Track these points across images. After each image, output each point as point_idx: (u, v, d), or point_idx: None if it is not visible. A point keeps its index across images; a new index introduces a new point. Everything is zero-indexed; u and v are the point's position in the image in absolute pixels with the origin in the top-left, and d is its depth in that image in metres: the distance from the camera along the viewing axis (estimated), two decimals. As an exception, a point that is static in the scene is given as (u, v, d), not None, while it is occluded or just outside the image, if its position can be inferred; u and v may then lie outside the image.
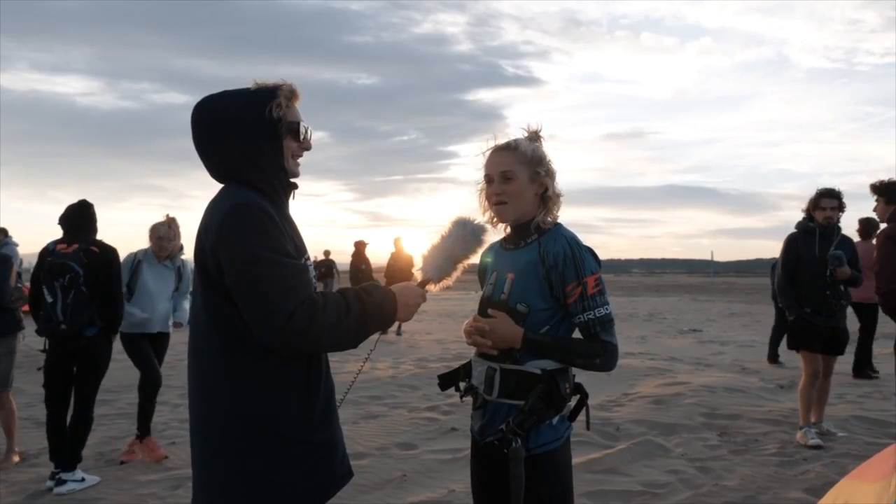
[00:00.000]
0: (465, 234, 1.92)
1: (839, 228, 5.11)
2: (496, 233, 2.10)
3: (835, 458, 4.59)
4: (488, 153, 2.06)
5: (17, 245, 9.15)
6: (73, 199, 4.57)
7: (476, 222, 1.96)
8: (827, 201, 5.05)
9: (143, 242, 5.23)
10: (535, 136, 2.08)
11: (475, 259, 2.01)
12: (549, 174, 2.03)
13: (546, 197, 2.03)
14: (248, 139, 1.69)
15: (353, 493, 4.01)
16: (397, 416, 5.95)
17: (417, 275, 1.95)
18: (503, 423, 1.93)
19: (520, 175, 1.99)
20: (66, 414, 4.46)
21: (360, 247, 12.62)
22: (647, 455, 4.73)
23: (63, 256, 4.25)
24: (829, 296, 5.00)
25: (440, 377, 2.18)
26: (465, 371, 2.13)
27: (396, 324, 13.29)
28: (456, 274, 1.96)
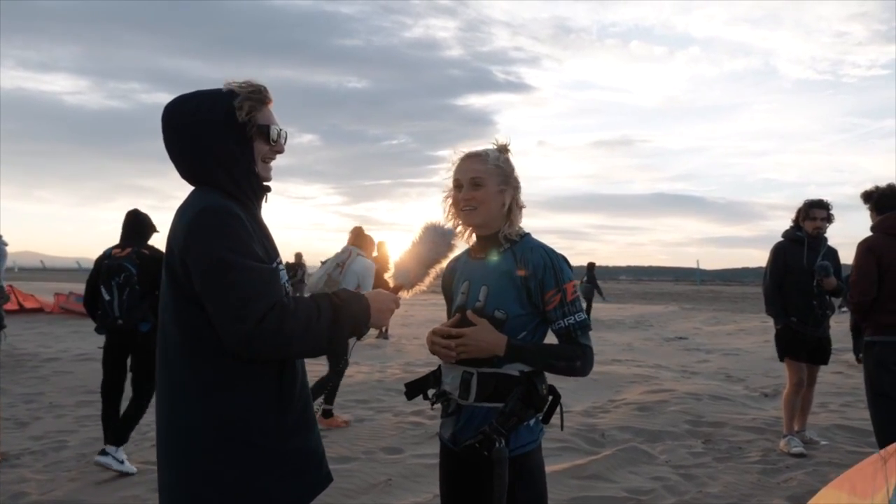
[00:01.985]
0: (435, 238, 1.95)
1: (826, 239, 5.17)
2: (462, 239, 2.12)
3: (817, 466, 4.63)
4: (458, 161, 2.09)
5: (6, 244, 9.06)
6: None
7: (446, 227, 2.00)
8: (818, 212, 5.09)
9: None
10: (504, 149, 2.11)
11: (446, 262, 2.03)
12: (516, 186, 2.09)
13: (511, 208, 2.08)
14: (216, 141, 1.67)
15: (338, 497, 4.00)
16: (383, 420, 5.94)
17: (390, 281, 1.95)
18: (479, 427, 1.93)
19: (489, 183, 2.02)
20: (119, 402, 4.80)
21: (381, 248, 12.29)
22: (632, 462, 4.75)
23: (118, 259, 4.66)
24: (816, 305, 5.05)
25: (407, 385, 2.16)
26: (434, 378, 2.13)
27: (382, 328, 13.29)
28: (429, 279, 1.98)
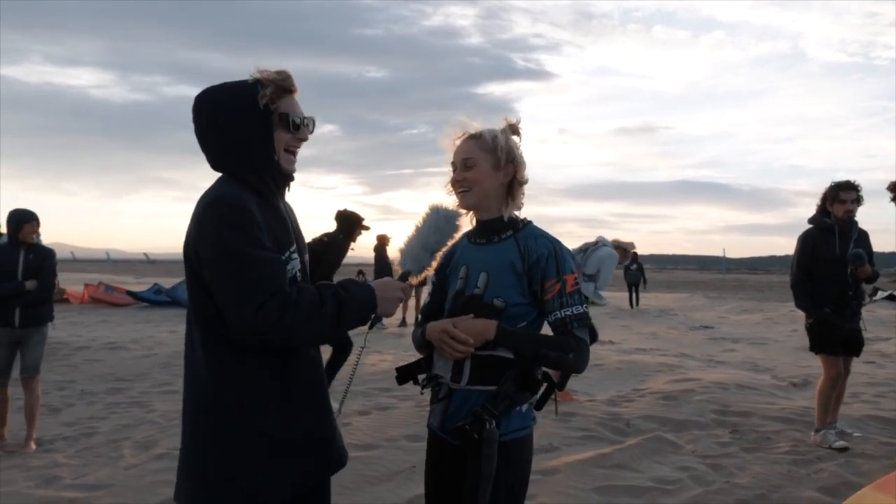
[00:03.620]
0: (438, 221, 1.93)
1: (856, 223, 4.89)
2: (466, 222, 2.09)
3: (849, 457, 4.54)
4: (457, 142, 2.07)
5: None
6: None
7: (449, 209, 1.97)
8: (847, 194, 4.81)
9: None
10: (513, 129, 2.08)
11: (450, 242, 1.99)
12: (515, 162, 2.03)
13: (511, 187, 2.04)
14: (237, 130, 1.71)
15: (361, 483, 4.03)
16: (406, 408, 5.97)
17: (397, 268, 1.94)
18: (469, 410, 1.91)
19: (481, 162, 1.99)
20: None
21: (383, 240, 12.60)
22: (658, 451, 4.71)
23: None
24: (851, 296, 4.85)
25: (398, 370, 2.14)
26: (426, 363, 2.10)
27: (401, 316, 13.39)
28: (435, 263, 1.96)
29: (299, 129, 1.77)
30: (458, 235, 2.00)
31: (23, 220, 4.93)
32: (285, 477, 1.71)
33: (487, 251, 2.02)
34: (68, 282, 20.66)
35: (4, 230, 5.16)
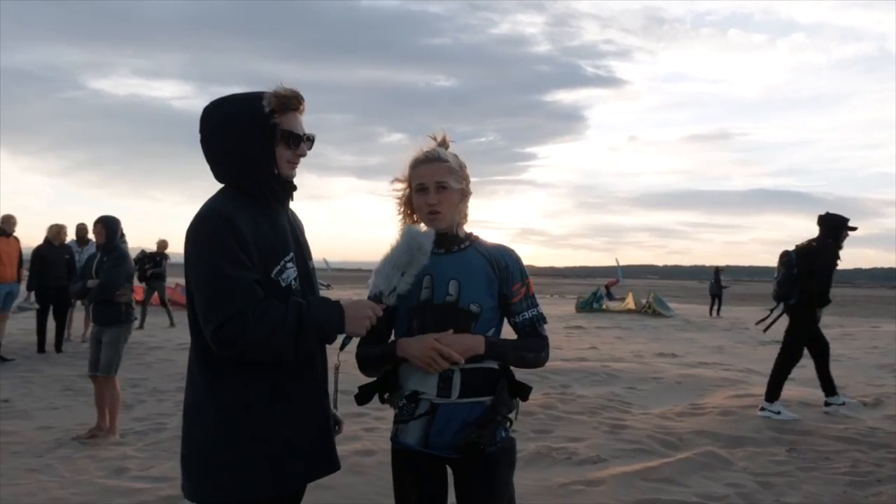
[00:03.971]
0: (410, 241, 1.93)
1: None
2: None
3: (911, 480, 4.34)
4: (414, 163, 2.07)
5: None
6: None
7: (421, 229, 1.97)
8: None
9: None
10: (445, 143, 2.12)
11: (422, 263, 1.94)
12: (468, 182, 2.11)
13: (464, 203, 2.11)
14: (238, 142, 1.77)
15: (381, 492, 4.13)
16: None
17: (369, 288, 1.94)
18: (462, 423, 1.96)
19: (452, 184, 2.04)
20: None
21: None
22: (707, 467, 4.63)
23: None
24: None
25: (361, 388, 2.09)
26: (392, 381, 2.06)
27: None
28: (407, 281, 1.92)
29: (299, 145, 1.83)
30: (425, 257, 1.95)
31: (94, 224, 5.43)
32: (273, 478, 1.76)
33: (451, 260, 2.05)
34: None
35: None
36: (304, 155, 1.87)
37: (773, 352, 11.74)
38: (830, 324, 18.86)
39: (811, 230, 6.56)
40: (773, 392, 6.27)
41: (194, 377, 1.82)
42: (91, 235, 9.91)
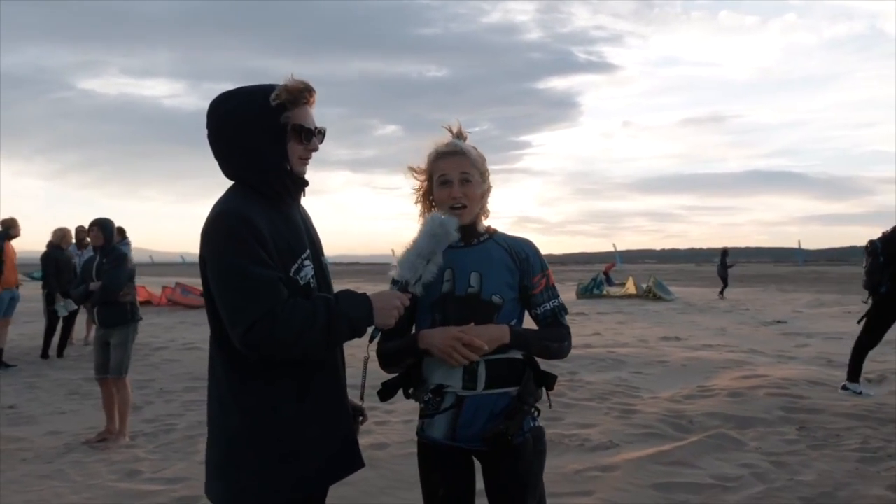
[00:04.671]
0: (434, 229, 1.91)
1: None
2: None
3: (923, 455, 4.36)
4: (435, 156, 2.07)
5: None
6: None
7: (444, 216, 1.94)
8: None
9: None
10: (462, 135, 2.12)
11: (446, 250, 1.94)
12: (488, 172, 2.10)
13: (486, 196, 2.11)
14: (248, 138, 1.71)
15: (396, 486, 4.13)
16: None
17: (394, 277, 1.93)
18: (489, 415, 1.96)
19: (475, 177, 2.04)
20: None
21: None
22: (720, 448, 4.64)
23: None
24: None
25: (384, 384, 2.09)
26: (416, 375, 2.06)
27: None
28: (432, 270, 1.92)
29: (310, 140, 1.78)
30: (452, 242, 1.95)
31: (90, 227, 5.43)
32: (298, 480, 1.74)
33: (472, 253, 2.06)
34: (148, 285, 21.68)
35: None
36: (315, 149, 1.82)
37: (774, 333, 11.86)
38: (830, 302, 18.95)
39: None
40: (854, 372, 6.40)
41: (218, 379, 1.79)
42: (72, 240, 9.91)
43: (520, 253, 2.08)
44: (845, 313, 15.47)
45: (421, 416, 2.09)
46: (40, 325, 9.90)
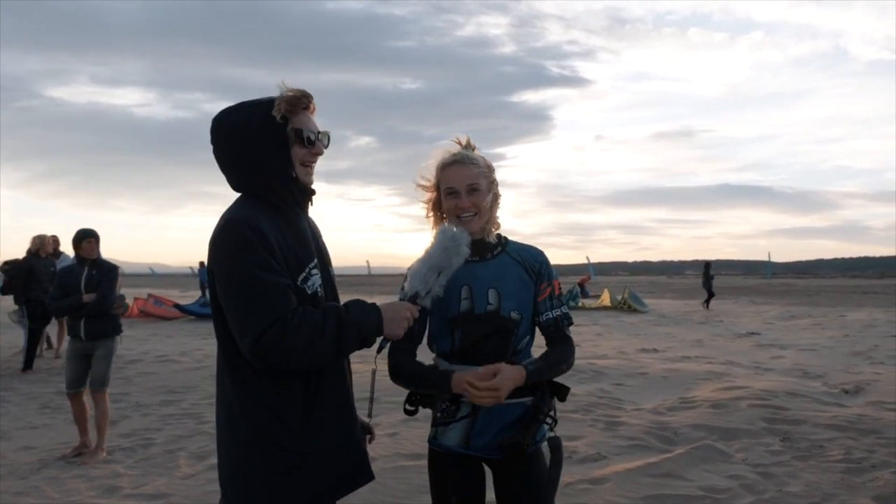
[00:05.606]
0: (445, 242, 1.88)
1: None
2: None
3: (906, 465, 4.43)
4: (442, 166, 2.06)
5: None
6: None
7: (455, 229, 1.92)
8: None
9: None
10: (470, 146, 2.12)
11: (459, 264, 1.90)
12: (497, 182, 2.10)
13: (495, 205, 2.10)
14: (252, 149, 1.72)
15: (412, 493, 4.08)
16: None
17: (407, 289, 1.89)
18: (502, 425, 1.98)
19: (483, 186, 2.02)
20: None
21: None
22: (707, 460, 4.66)
23: None
24: None
25: (410, 395, 2.10)
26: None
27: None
28: (442, 283, 1.88)
29: (314, 143, 1.78)
30: (463, 256, 1.91)
31: (81, 238, 5.27)
32: (304, 492, 1.72)
33: (487, 268, 2.04)
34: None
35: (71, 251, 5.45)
36: (320, 153, 1.82)
37: (749, 344, 12.03)
38: (800, 314, 19.29)
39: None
40: None
41: (226, 391, 1.75)
42: (62, 248, 9.67)
43: (533, 265, 2.08)
44: (815, 325, 15.77)
45: (434, 425, 2.10)
46: (6, 337, 9.62)
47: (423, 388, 2.06)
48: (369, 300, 1.79)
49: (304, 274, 1.74)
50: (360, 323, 1.68)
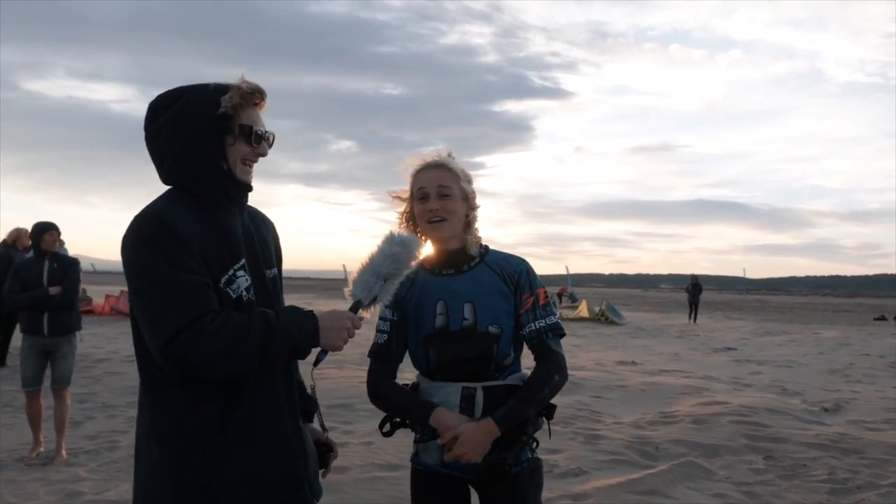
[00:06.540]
0: (392, 248, 1.72)
1: None
2: (425, 248, 1.92)
3: (892, 487, 4.38)
4: (417, 169, 1.96)
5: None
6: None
7: (405, 234, 1.78)
8: None
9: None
10: (451, 157, 2.01)
11: (407, 273, 1.76)
12: (474, 194, 2.00)
13: (472, 217, 1.98)
14: (188, 139, 1.57)
15: (388, 505, 3.94)
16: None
17: (348, 298, 1.71)
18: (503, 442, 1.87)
19: (455, 191, 1.92)
20: None
21: None
22: (690, 477, 4.57)
23: None
24: None
25: (391, 424, 2.00)
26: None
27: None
28: (389, 290, 1.71)
29: (260, 143, 1.64)
30: (414, 264, 1.78)
31: (43, 231, 5.07)
32: None
33: (463, 281, 1.93)
34: (91, 294, 20.83)
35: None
36: (264, 154, 1.66)
37: (726, 359, 12.06)
38: (775, 331, 19.47)
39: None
40: None
41: (141, 405, 1.59)
42: (28, 241, 9.35)
43: (513, 275, 1.94)
44: (790, 342, 15.90)
45: (415, 442, 1.99)
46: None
47: (401, 417, 1.97)
48: (343, 306, 1.63)
49: (227, 276, 1.55)
50: (292, 330, 1.51)
